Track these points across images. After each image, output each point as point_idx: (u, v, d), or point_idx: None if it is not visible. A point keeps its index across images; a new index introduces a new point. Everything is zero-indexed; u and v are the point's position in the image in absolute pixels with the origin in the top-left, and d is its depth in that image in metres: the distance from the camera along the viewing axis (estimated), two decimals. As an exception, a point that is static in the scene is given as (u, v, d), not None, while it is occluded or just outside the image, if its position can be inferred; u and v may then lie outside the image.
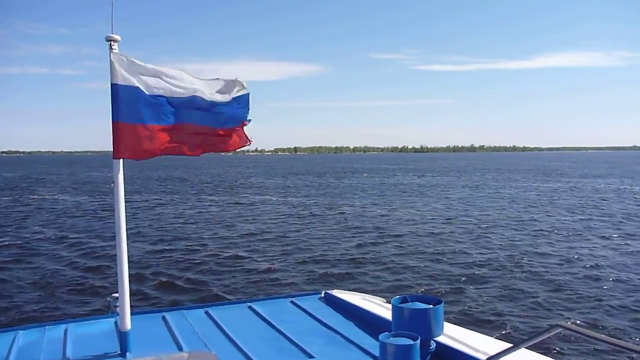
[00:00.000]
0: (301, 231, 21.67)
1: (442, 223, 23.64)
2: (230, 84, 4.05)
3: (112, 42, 3.80)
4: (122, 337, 3.94)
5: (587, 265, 14.77)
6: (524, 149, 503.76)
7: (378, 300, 5.44)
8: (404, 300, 3.78)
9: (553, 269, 14.41)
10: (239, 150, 4.33)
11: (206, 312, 4.99)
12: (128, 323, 3.93)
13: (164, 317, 4.81)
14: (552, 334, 2.88)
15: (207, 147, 4.12)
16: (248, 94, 4.07)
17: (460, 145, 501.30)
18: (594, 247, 17.61)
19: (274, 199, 37.16)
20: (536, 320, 10.38)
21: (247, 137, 4.14)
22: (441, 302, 3.69)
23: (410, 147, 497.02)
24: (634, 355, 2.08)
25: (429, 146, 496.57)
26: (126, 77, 3.84)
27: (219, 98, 4.00)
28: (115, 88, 3.82)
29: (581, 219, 24.32)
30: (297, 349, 4.06)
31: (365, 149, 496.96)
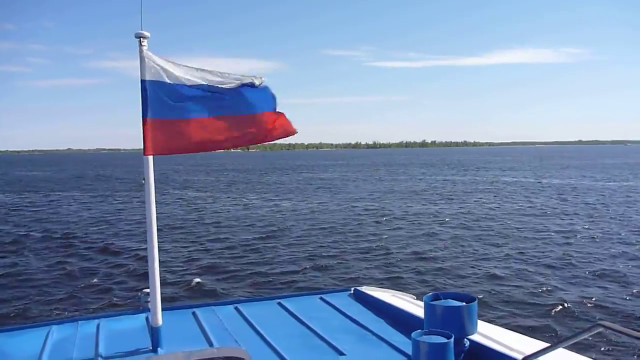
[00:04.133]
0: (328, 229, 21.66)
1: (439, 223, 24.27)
2: (253, 79, 4.03)
3: (141, 38, 3.78)
4: (154, 333, 3.95)
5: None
6: (475, 144, 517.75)
7: (408, 297, 5.39)
8: (436, 298, 3.72)
9: (588, 264, 14.26)
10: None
11: (236, 308, 4.99)
12: (159, 319, 3.95)
13: (194, 313, 4.81)
14: (592, 333, 2.77)
15: (246, 138, 4.07)
16: (269, 88, 4.05)
17: (412, 141, 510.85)
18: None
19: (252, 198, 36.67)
20: (576, 320, 10.00)
21: (290, 126, 4.08)
22: (475, 300, 3.62)
23: (363, 143, 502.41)
24: None
25: (381, 142, 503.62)
26: (155, 74, 3.83)
27: (243, 84, 3.95)
28: (144, 84, 3.80)
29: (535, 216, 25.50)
30: (327, 345, 4.04)
31: (319, 146, 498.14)
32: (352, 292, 5.49)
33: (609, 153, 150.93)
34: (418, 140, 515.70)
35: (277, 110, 4.06)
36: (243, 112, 4.00)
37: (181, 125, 3.90)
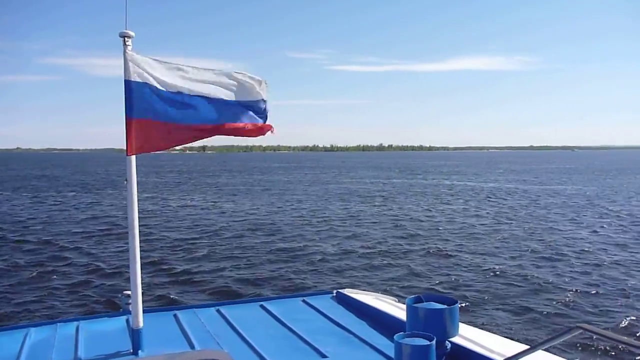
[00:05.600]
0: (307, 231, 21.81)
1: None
2: (251, 86, 4.02)
3: (125, 37, 3.75)
4: (134, 335, 3.91)
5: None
6: (430, 148, 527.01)
7: (390, 299, 5.43)
8: (419, 300, 3.75)
9: (570, 267, 14.52)
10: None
11: (218, 311, 4.96)
12: (140, 321, 3.91)
13: (175, 315, 4.77)
14: (572, 335, 2.82)
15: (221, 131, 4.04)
16: (265, 102, 4.07)
17: (369, 145, 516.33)
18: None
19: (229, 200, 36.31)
20: (555, 322, 10.13)
21: (267, 128, 4.09)
22: (456, 302, 3.67)
23: (321, 146, 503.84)
24: None
25: (339, 145, 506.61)
26: (139, 74, 3.80)
27: (234, 98, 3.98)
28: (128, 84, 3.78)
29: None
30: (310, 348, 4.04)
31: (277, 148, 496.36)
32: (334, 294, 5.51)
33: (555, 158, 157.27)
34: (375, 144, 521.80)
35: (265, 123, 4.07)
36: (225, 121, 3.99)
37: (163, 126, 3.89)
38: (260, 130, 4.08)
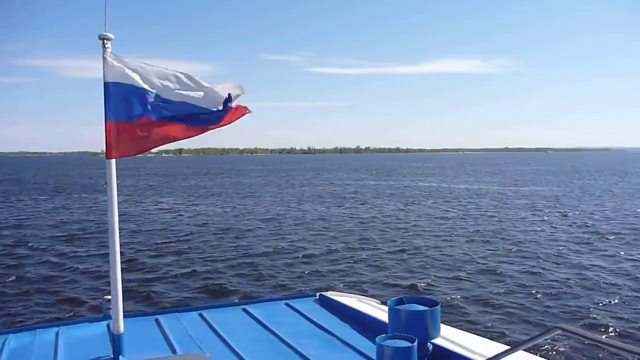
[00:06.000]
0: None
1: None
2: (220, 95, 3.97)
3: (105, 40, 3.73)
4: (115, 340, 3.85)
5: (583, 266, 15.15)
6: (407, 150, 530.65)
7: (373, 302, 5.44)
8: (400, 302, 3.75)
9: (545, 270, 14.68)
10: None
11: (200, 315, 4.93)
12: (121, 326, 3.85)
13: (157, 320, 4.72)
14: (551, 335, 2.86)
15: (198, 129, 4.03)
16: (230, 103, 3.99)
17: (347, 147, 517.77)
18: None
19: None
20: (536, 322, 10.27)
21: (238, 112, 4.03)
22: (438, 304, 3.68)
23: (298, 148, 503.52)
24: (636, 357, 2.17)
25: (316, 147, 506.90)
26: (119, 76, 3.77)
27: (206, 105, 3.93)
28: (107, 87, 3.75)
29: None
30: (292, 351, 4.04)
31: (254, 151, 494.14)
32: (317, 297, 5.51)
33: (529, 160, 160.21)
34: (352, 146, 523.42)
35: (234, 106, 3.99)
36: (195, 125, 3.98)
37: (143, 128, 3.86)
38: (236, 115, 4.02)
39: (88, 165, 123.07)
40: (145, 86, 3.83)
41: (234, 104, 4.01)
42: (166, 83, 3.91)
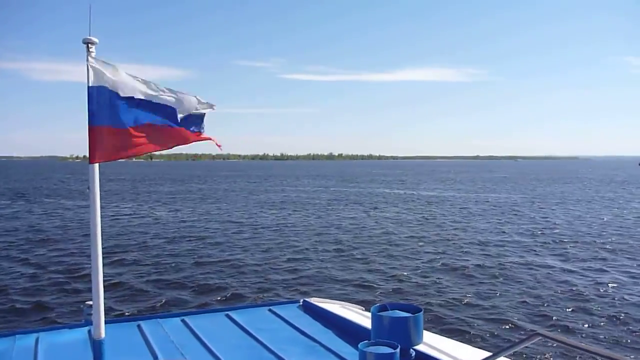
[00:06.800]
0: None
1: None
2: (195, 104, 4.04)
3: (89, 44, 3.71)
4: (96, 347, 3.77)
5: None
6: (380, 157, 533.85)
7: (356, 308, 5.46)
8: (384, 309, 3.77)
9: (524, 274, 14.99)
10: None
11: (182, 321, 4.89)
12: (102, 332, 3.77)
13: (139, 326, 4.68)
14: (531, 342, 2.90)
15: (170, 142, 4.06)
16: (204, 114, 4.07)
17: (319, 153, 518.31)
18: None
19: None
20: (515, 328, 10.45)
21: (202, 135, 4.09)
22: (421, 311, 3.69)
23: (271, 154, 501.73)
24: None
25: (289, 154, 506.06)
26: (103, 81, 3.77)
27: (181, 108, 3.95)
28: (91, 91, 3.74)
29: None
30: (275, 358, 4.04)
31: (227, 157, 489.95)
32: (301, 303, 5.52)
33: (498, 168, 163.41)
34: (325, 153, 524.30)
35: (199, 132, 4.05)
36: (169, 125, 3.97)
37: (126, 134, 3.87)
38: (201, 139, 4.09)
39: (57, 170, 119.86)
40: (129, 93, 3.85)
41: (204, 131, 4.09)
42: (149, 91, 3.93)
